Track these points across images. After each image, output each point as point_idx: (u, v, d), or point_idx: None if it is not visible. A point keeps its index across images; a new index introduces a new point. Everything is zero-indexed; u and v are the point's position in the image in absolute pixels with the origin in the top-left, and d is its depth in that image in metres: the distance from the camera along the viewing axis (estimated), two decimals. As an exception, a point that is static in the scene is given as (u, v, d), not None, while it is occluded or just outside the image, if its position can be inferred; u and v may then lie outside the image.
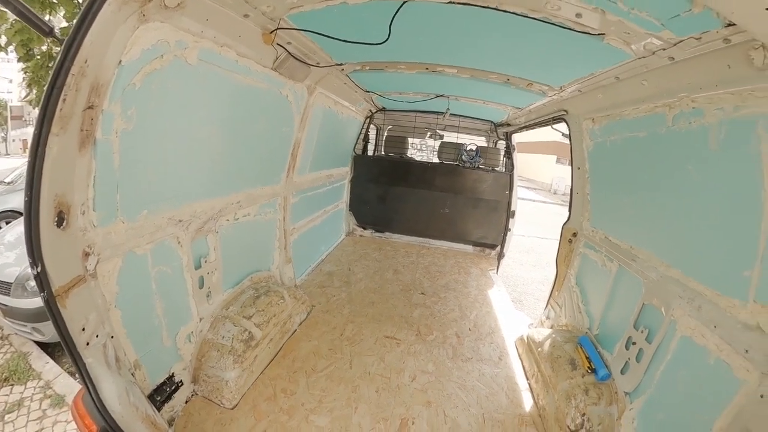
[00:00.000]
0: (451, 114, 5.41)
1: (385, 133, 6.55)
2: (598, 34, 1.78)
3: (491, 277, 5.05)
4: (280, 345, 2.99)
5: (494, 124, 5.90)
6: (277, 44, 2.48)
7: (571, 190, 3.39)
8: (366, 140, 6.25)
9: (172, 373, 2.25)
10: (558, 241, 3.52)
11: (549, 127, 3.87)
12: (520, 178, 6.27)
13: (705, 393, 1.66)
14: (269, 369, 2.75)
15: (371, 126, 6.32)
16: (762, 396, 1.36)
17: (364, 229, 6.41)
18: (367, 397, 2.57)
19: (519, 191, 5.91)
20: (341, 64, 3.28)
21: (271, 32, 2.27)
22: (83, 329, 1.49)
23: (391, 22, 2.04)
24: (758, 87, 1.42)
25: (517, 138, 5.67)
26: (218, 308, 2.70)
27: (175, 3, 1.57)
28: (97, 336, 1.57)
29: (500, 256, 5.65)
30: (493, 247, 5.90)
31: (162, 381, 2.16)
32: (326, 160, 4.91)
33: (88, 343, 1.51)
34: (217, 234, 2.63)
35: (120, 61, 1.49)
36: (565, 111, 3.24)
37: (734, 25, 1.30)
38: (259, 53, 2.41)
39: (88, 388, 1.50)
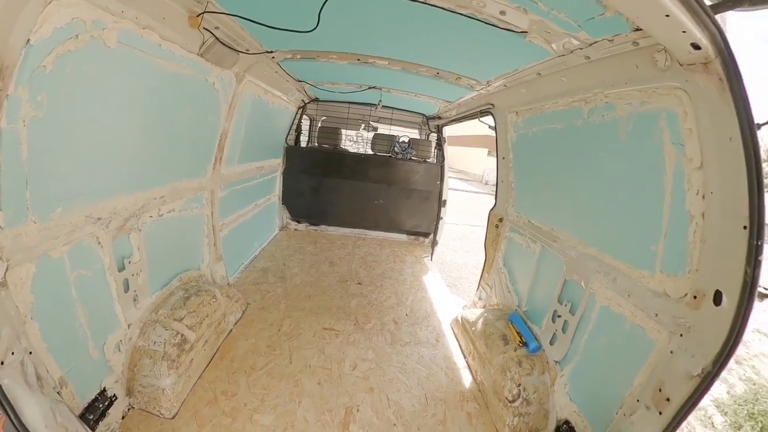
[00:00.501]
0: (383, 106, 5.47)
1: (319, 124, 6.45)
2: (521, 32, 1.90)
3: (426, 264, 5.24)
4: (216, 346, 2.88)
5: (426, 117, 6.07)
6: (204, 28, 2.33)
7: (497, 178, 3.60)
8: (299, 131, 6.12)
9: (104, 388, 2.07)
10: (486, 227, 3.72)
11: (477, 120, 4.05)
12: (453, 169, 6.55)
13: (624, 354, 1.88)
14: (207, 372, 2.64)
15: (304, 117, 6.19)
16: (671, 352, 1.56)
17: (299, 222, 6.29)
18: (309, 391, 2.56)
19: (452, 182, 6.19)
20: (272, 52, 3.18)
21: (198, 15, 2.14)
22: None
23: (321, 10, 2.01)
24: (661, 85, 1.61)
25: (450, 131, 5.89)
26: (147, 312, 2.52)
27: None
28: (12, 353, 1.39)
29: (434, 243, 5.85)
30: (426, 235, 6.11)
31: (93, 398, 1.98)
32: (256, 152, 4.74)
33: (2, 362, 1.33)
34: (141, 232, 2.43)
35: (28, 41, 1.34)
36: (492, 105, 3.42)
37: (641, 30, 1.46)
38: (184, 37, 2.27)
39: (7, 413, 1.31)
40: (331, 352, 3.00)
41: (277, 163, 5.77)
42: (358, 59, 3.16)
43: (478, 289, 3.89)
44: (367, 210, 6.01)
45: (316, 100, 5.89)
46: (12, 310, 1.46)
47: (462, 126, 5.10)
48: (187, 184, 3.06)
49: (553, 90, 2.44)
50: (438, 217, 5.77)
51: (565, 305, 2.41)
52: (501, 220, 3.59)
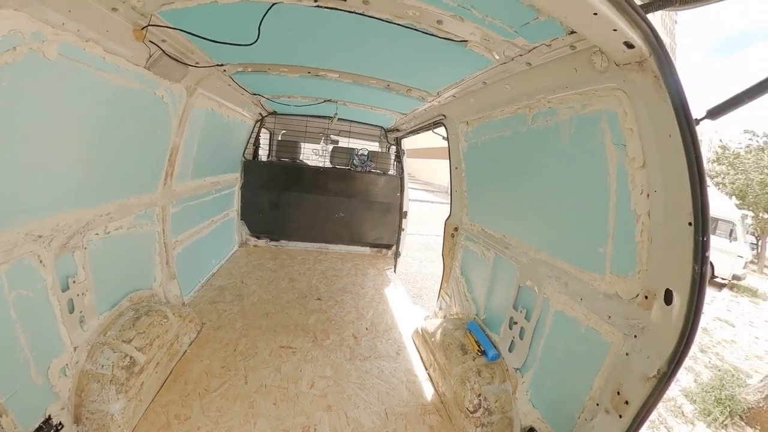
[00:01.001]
0: (340, 119, 5.40)
1: (278, 138, 6.31)
2: (462, 41, 1.87)
3: (388, 276, 5.13)
4: (169, 368, 2.71)
5: (384, 129, 6.04)
6: (150, 42, 2.28)
7: (451, 188, 3.59)
8: (257, 145, 5.92)
9: (49, 416, 1.90)
10: (443, 236, 3.68)
11: (431, 131, 4.04)
12: (419, 181, 6.53)
13: (582, 358, 1.83)
14: (160, 396, 2.48)
15: (264, 130, 6.04)
16: (627, 353, 1.52)
17: (258, 238, 6.06)
18: (265, 411, 2.40)
19: (418, 194, 6.20)
20: (222, 65, 3.07)
21: (142, 29, 2.05)
22: None
23: (260, 23, 1.95)
24: (600, 87, 1.60)
25: (414, 144, 5.87)
26: (95, 334, 2.37)
27: None
28: None
29: (396, 254, 5.77)
30: (389, 247, 6.02)
31: (37, 426, 1.82)
32: (211, 166, 4.54)
33: None
34: (86, 250, 2.30)
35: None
36: (444, 116, 3.42)
37: (576, 32, 1.43)
38: (129, 50, 2.20)
39: None
40: (288, 371, 2.84)
41: (235, 178, 5.56)
42: (309, 72, 3.10)
43: (438, 299, 3.82)
44: (328, 224, 5.87)
45: (274, 113, 5.73)
46: None
47: (426, 138, 5.10)
48: (135, 201, 2.92)
49: (498, 98, 2.44)
50: (400, 229, 5.71)
51: (521, 311, 2.37)
52: (456, 229, 3.59)
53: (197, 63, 2.83)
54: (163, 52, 2.43)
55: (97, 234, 2.42)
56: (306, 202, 5.80)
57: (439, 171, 31.15)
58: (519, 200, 2.54)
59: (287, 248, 6.04)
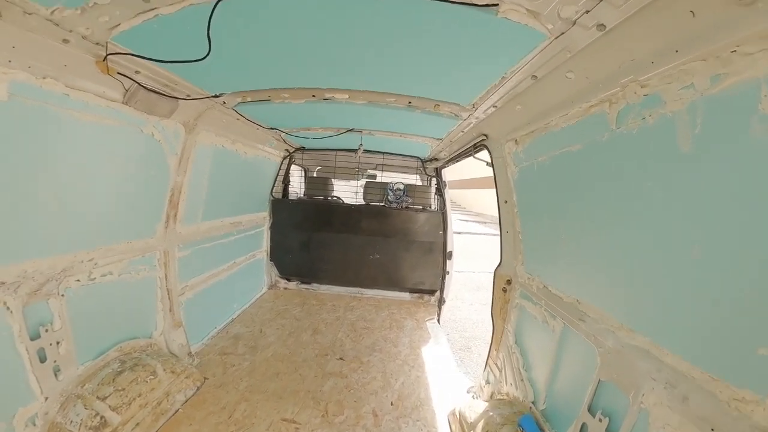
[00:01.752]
0: (370, 151, 4.93)
1: (314, 174, 5.93)
2: (491, 5, 1.19)
3: (429, 330, 4.29)
4: (153, 429, 2.38)
5: (421, 160, 5.38)
6: (120, 74, 2.03)
7: (500, 228, 2.83)
8: (286, 182, 5.55)
9: None
10: (492, 290, 2.87)
11: (473, 158, 3.34)
12: (469, 212, 5.76)
13: None
14: None
15: (299, 167, 5.76)
16: None
17: (289, 280, 5.55)
18: None
19: (469, 226, 5.40)
20: (218, 96, 2.71)
21: (104, 60, 1.81)
22: None
23: (208, 29, 1.51)
24: (749, 34, 0.84)
25: (461, 174, 5.18)
26: (71, 385, 2.22)
27: None
28: None
29: (440, 302, 4.97)
30: (431, 292, 5.20)
31: None
32: (229, 206, 4.21)
33: None
34: (63, 297, 2.16)
35: None
36: (485, 135, 2.74)
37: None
38: (99, 85, 2.04)
39: None
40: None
41: (263, 217, 5.18)
42: (314, 96, 2.61)
43: (485, 368, 2.96)
44: (362, 266, 5.23)
45: (301, 149, 5.34)
46: None
47: (477, 167, 4.40)
48: (127, 246, 2.70)
49: (558, 95, 1.68)
50: (444, 272, 4.93)
51: (600, 420, 1.49)
52: (509, 282, 2.73)
53: (188, 95, 2.58)
54: (139, 84, 2.20)
55: (78, 281, 2.27)
56: (338, 242, 5.25)
57: (491, 201, 29.72)
58: (600, 247, 1.66)
59: (318, 292, 5.44)
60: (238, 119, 3.34)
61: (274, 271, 5.50)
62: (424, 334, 4.10)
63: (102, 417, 2.14)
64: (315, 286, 5.50)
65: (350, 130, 3.82)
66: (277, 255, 5.42)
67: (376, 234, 5.12)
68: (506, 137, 2.49)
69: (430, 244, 5.01)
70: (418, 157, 5.35)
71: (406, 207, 5.15)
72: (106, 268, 2.52)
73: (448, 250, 4.91)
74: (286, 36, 1.71)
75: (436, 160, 4.88)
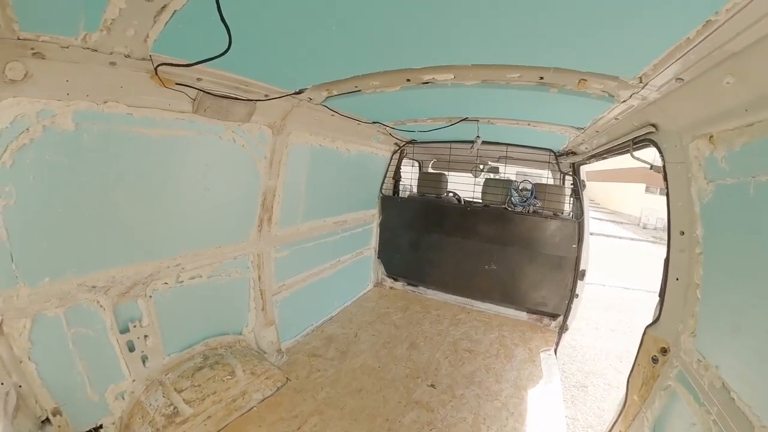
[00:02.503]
0: (491, 142, 4.36)
1: (425, 169, 5.62)
2: None
3: (542, 365, 3.66)
4: (224, 423, 2.48)
5: (554, 153, 4.58)
6: (180, 84, 2.10)
7: (666, 267, 2.03)
8: (397, 178, 5.39)
9: (101, 425, 2.22)
10: (636, 352, 2.18)
11: (630, 155, 2.53)
12: (603, 210, 4.82)
13: None
14: None
15: (412, 162, 5.55)
16: None
17: (395, 280, 5.46)
18: None
19: (603, 226, 4.50)
20: (300, 92, 2.62)
21: (155, 73, 1.90)
22: None
23: (220, 12, 1.35)
24: None
25: (595, 165, 4.30)
26: (157, 372, 2.55)
27: (21, 74, 1.56)
28: (2, 383, 1.73)
29: (562, 329, 4.27)
30: (553, 316, 4.47)
31: (88, 429, 2.16)
32: (333, 206, 4.27)
33: None
34: (151, 299, 2.47)
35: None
36: (653, 126, 1.99)
37: None
38: (162, 99, 2.15)
39: None
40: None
41: (372, 215, 5.16)
42: (408, 80, 2.26)
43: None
44: (476, 276, 4.78)
45: (412, 142, 5.05)
46: (4, 352, 1.77)
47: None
48: (218, 251, 2.95)
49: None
50: (572, 294, 4.19)
51: None
52: (664, 351, 1.97)
53: (267, 95, 2.56)
54: (204, 91, 2.27)
55: (165, 284, 2.55)
56: (451, 246, 4.90)
57: (628, 196, 25.08)
58: None
59: (424, 297, 5.20)
60: (332, 116, 3.25)
61: (381, 270, 5.46)
62: (535, 371, 3.51)
63: (175, 407, 2.38)
64: (422, 289, 5.29)
65: (463, 120, 3.39)
66: (385, 253, 5.37)
67: (495, 241, 4.61)
68: (693, 131, 1.70)
69: (559, 259, 4.29)
70: (550, 150, 4.59)
71: (533, 212, 4.48)
72: (195, 272, 2.76)
73: (581, 269, 4.15)
74: (359, 6, 1.43)
75: (574, 154, 4.11)
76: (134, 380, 2.41)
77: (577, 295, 4.20)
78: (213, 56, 1.64)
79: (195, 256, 2.74)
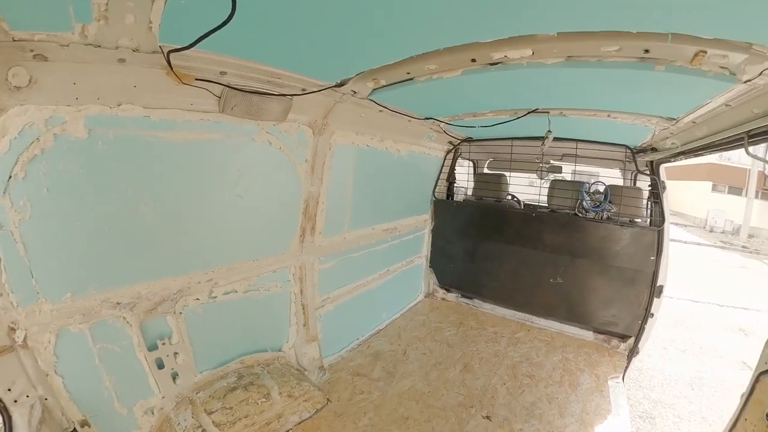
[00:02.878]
0: (560, 138, 3.88)
1: (481, 170, 5.29)
2: None
3: (610, 394, 3.22)
4: None
5: (631, 150, 4.05)
6: (201, 80, 1.94)
7: None
8: (451, 180, 5.07)
9: None
10: (741, 404, 1.80)
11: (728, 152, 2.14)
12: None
13: None
14: None
15: (467, 162, 5.21)
16: None
17: (448, 291, 5.15)
18: None
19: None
20: (341, 84, 2.38)
21: (170, 68, 1.74)
22: (9, 389, 1.69)
23: None
24: None
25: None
26: (188, 389, 2.49)
27: (26, 80, 1.51)
28: (27, 396, 1.75)
29: (632, 352, 3.81)
30: (623, 337, 3.98)
31: None
32: (382, 212, 4.07)
33: (16, 401, 1.71)
34: (181, 315, 2.39)
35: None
36: None
37: None
38: (184, 98, 2.01)
39: None
40: None
41: (424, 220, 4.90)
42: (474, 60, 1.95)
43: None
44: (538, 289, 4.36)
45: (468, 140, 4.72)
46: (29, 365, 1.78)
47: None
48: (253, 264, 2.82)
49: None
50: (647, 314, 3.71)
51: None
52: None
53: (304, 89, 2.34)
54: (231, 87, 2.06)
55: (197, 299, 2.47)
56: (511, 256, 4.52)
57: (692, 196, 22.93)
58: None
59: (480, 310, 4.85)
60: (380, 111, 3.02)
61: (433, 279, 5.19)
62: (603, 403, 3.09)
63: (204, 430, 2.31)
64: (477, 302, 4.94)
65: (532, 112, 3.03)
66: (437, 262, 5.09)
67: (561, 251, 4.18)
68: None
69: (634, 273, 3.81)
70: (625, 146, 4.06)
71: (606, 218, 4.01)
72: (229, 287, 2.65)
73: (658, 284, 3.66)
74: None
75: (654, 150, 3.61)
76: (164, 397, 2.38)
77: (652, 315, 3.72)
78: (214, 28, 1.42)
79: (229, 270, 2.63)
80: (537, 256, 4.31)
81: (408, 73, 2.20)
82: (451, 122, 3.63)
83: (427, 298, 5.14)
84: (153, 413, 2.31)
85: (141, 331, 2.20)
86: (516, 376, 3.42)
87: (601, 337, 4.11)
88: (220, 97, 2.10)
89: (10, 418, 1.71)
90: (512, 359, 3.71)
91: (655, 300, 3.68)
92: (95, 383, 2.05)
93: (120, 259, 2.08)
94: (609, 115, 2.92)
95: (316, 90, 2.35)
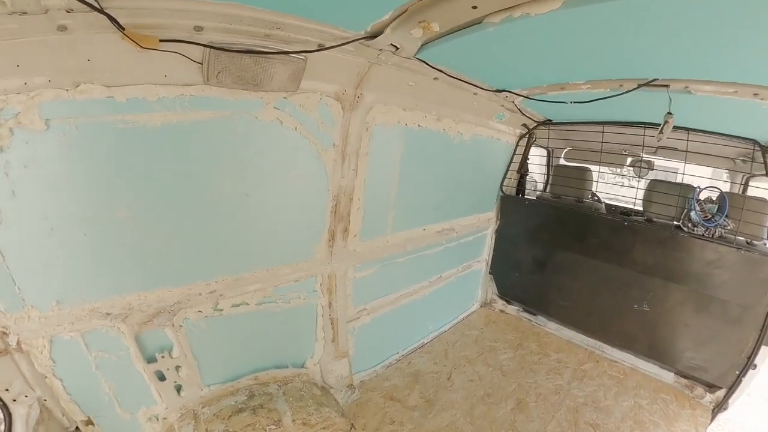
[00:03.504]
0: (652, 125, 3.21)
1: (558, 162, 4.67)
2: None
3: None
4: None
5: (760, 145, 3.20)
6: (169, 41, 1.55)
7: None
8: (522, 172, 4.44)
9: None
10: None
11: None
12: None
13: None
14: None
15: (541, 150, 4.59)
16: None
17: (508, 303, 4.63)
18: None
19: None
20: (375, 36, 1.85)
21: (119, 27, 1.37)
22: (7, 389, 1.73)
23: None
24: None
25: None
26: (194, 402, 2.37)
27: None
28: (26, 396, 1.80)
29: (720, 407, 3.13)
30: (711, 387, 3.26)
31: None
32: (437, 209, 3.60)
33: (14, 400, 1.76)
34: (182, 328, 2.20)
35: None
36: None
37: None
38: (154, 69, 1.64)
39: None
40: None
41: (487, 219, 4.37)
42: None
43: None
44: (618, 315, 3.71)
45: (547, 123, 4.05)
46: (26, 368, 1.79)
47: None
48: (267, 274, 2.48)
49: None
50: (748, 363, 3.01)
51: None
52: None
53: (321, 44, 1.86)
54: (213, 47, 1.64)
55: (199, 312, 2.25)
56: (589, 271, 3.88)
57: None
58: None
59: (543, 329, 4.28)
60: (435, 79, 2.49)
61: (492, 288, 4.69)
62: None
63: None
64: (541, 320, 4.36)
65: (649, 84, 2.33)
66: (499, 268, 4.59)
67: (654, 273, 3.47)
68: None
69: (741, 310, 3.06)
70: (753, 141, 3.21)
71: (720, 236, 3.22)
72: (238, 299, 2.38)
73: None
74: None
75: None
76: (167, 407, 2.28)
77: (755, 366, 3.00)
78: None
79: (236, 281, 2.34)
80: (622, 276, 3.64)
81: (475, 8, 1.58)
82: (531, 96, 2.98)
83: (483, 308, 4.67)
84: (158, 420, 2.26)
85: (137, 343, 2.08)
86: (577, 424, 2.91)
87: (684, 381, 3.40)
88: (201, 63, 1.69)
89: (10, 415, 1.78)
90: (575, 399, 3.18)
91: (763, 348, 2.96)
92: (95, 388, 2.02)
93: (105, 267, 1.91)
94: (756, 95, 2.17)
95: (337, 44, 1.84)
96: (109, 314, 1.95)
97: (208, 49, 1.62)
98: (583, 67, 2.36)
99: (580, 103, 2.87)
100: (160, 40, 1.53)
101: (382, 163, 2.80)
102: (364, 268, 3.05)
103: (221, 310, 2.33)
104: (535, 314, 4.43)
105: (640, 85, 2.35)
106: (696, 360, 3.32)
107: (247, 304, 2.44)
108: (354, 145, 2.50)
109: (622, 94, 2.49)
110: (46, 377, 1.85)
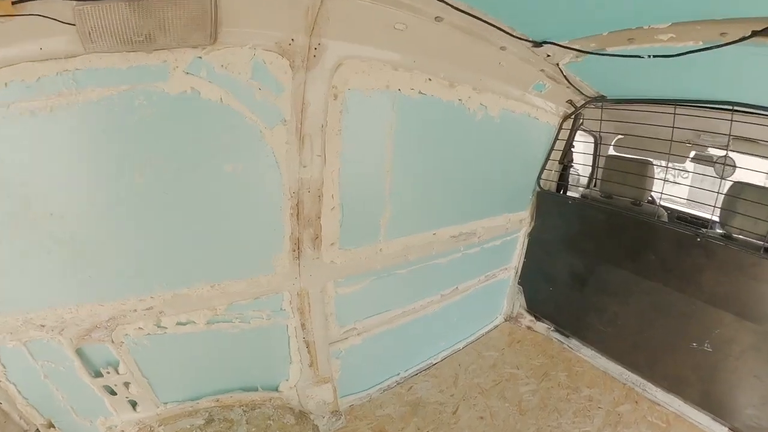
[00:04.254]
0: (730, 106, 2.66)
1: (609, 151, 4.04)
2: None
3: None
4: None
5: None
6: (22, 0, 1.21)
7: None
8: (566, 163, 3.82)
9: None
10: None
11: None
12: None
13: None
14: None
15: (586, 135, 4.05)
16: None
17: (537, 319, 4.09)
18: None
19: None
20: None
21: None
22: None
23: None
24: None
25: None
26: (151, 419, 2.29)
27: None
28: None
29: None
30: None
31: None
32: (451, 208, 3.08)
33: None
34: (123, 345, 2.06)
35: None
36: None
37: None
38: (23, 42, 1.32)
39: None
40: None
41: (519, 220, 3.81)
42: None
43: None
44: (671, 351, 3.12)
45: (599, 99, 3.36)
46: None
47: None
48: (211, 291, 2.16)
49: None
50: None
51: None
52: None
53: None
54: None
55: (140, 329, 2.07)
56: (641, 294, 3.26)
57: None
58: None
59: (575, 355, 3.71)
60: (437, 19, 1.92)
61: (520, 300, 4.18)
62: None
63: None
64: (574, 343, 3.79)
65: (747, 37, 1.67)
66: (530, 279, 4.07)
67: (725, 306, 2.83)
68: None
69: None
70: None
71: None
72: (183, 317, 2.14)
73: None
74: None
75: None
76: (123, 421, 2.27)
77: None
78: None
79: (174, 297, 2.07)
80: (682, 304, 3.01)
81: None
82: (583, 48, 2.24)
83: (508, 323, 4.17)
84: (117, 429, 2.25)
85: (79, 357, 2.00)
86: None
87: (737, 438, 2.82)
88: (75, 24, 1.32)
89: None
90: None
91: None
92: (49, 396, 2.04)
93: (28, 277, 1.77)
94: None
95: None
96: (43, 326, 1.88)
97: (74, 1, 1.26)
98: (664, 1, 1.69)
99: (664, 57, 2.03)
100: (13, 3, 1.18)
101: (365, 146, 2.28)
102: (350, 282, 2.64)
103: (165, 327, 2.13)
104: (568, 336, 3.88)
105: (756, 33, 1.63)
106: (761, 420, 2.73)
107: (195, 323, 2.18)
108: (316, 120, 1.96)
109: (725, 45, 1.76)
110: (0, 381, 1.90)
